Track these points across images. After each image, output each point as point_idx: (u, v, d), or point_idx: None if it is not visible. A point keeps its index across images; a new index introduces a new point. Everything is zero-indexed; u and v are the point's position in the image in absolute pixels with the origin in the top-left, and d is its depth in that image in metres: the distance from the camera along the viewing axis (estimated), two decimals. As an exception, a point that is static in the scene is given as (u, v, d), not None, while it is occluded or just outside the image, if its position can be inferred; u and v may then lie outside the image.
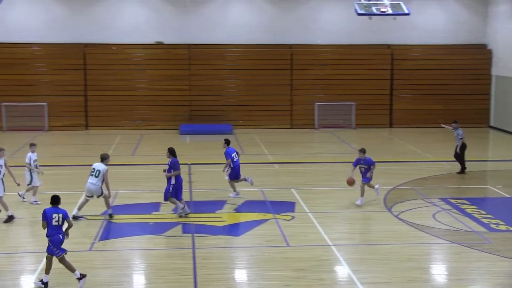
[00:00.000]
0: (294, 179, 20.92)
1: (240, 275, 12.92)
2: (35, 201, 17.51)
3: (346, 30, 32.93)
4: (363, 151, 17.61)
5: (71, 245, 14.11)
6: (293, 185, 19.96)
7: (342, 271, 12.95)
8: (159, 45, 32.37)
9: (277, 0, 32.69)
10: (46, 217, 11.81)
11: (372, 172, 17.46)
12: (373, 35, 33.01)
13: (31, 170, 17.45)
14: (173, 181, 16.20)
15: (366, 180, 17.57)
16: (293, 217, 16.46)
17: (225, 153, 18.19)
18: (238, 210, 17.31)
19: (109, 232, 15.28)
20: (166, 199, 16.32)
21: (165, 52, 32.22)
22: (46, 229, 11.84)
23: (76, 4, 31.58)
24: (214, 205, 17.64)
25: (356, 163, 17.67)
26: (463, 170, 21.83)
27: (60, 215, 11.86)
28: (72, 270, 11.82)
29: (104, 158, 16.00)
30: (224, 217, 16.61)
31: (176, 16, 32.24)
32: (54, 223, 11.78)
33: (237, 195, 18.43)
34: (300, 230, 15.48)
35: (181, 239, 14.78)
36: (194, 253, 13.76)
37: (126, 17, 31.98)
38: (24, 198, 17.72)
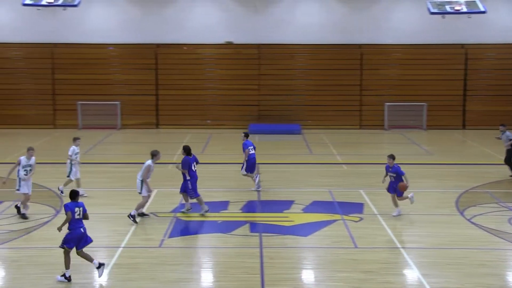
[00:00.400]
0: (362, 180, 20.67)
1: (307, 275, 12.86)
2: (82, 194, 18.09)
3: (418, 29, 32.31)
4: (392, 157, 16.19)
5: (142, 241, 14.46)
6: (362, 186, 19.73)
7: (412, 274, 12.69)
8: (229, 45, 32.65)
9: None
10: (71, 210, 12.20)
11: (407, 183, 16.03)
12: (447, 34, 32.24)
13: (72, 162, 18.05)
14: (187, 177, 16.40)
15: (394, 191, 16.26)
16: (361, 219, 16.27)
17: (242, 145, 18.93)
18: (305, 210, 17.24)
19: (178, 229, 15.50)
20: (192, 195, 16.55)
21: (235, 52, 32.48)
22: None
23: (149, 5, 32.25)
24: (282, 205, 17.64)
25: (386, 170, 16.49)
26: None
27: (81, 208, 12.25)
28: (67, 266, 12.07)
29: (153, 155, 16.11)
30: (292, 217, 16.58)
31: (246, 16, 32.44)
32: (76, 216, 12.17)
33: (258, 188, 18.95)
34: (369, 232, 15.27)
35: (248, 238, 14.85)
36: (261, 252, 13.79)
37: (197, 17, 32.41)
38: (63, 193, 18.23)
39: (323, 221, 16.06)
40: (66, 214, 12.11)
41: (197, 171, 16.67)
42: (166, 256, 13.55)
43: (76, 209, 12.15)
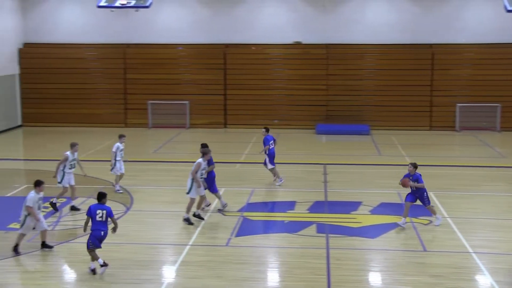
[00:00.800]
0: (432, 182, 20.18)
1: (375, 278, 12.71)
2: (118, 190, 18.68)
3: (493, 27, 31.34)
4: (414, 165, 15.47)
5: (209, 239, 14.63)
6: (432, 188, 19.27)
7: (484, 280, 12.34)
8: (298, 45, 32.60)
9: (419, -2, 31.85)
10: (91, 213, 12.52)
11: (425, 195, 15.30)
12: (523, 33, 31.18)
13: (116, 159, 18.61)
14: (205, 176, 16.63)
15: (410, 199, 15.48)
16: (430, 222, 15.92)
17: (264, 140, 19.66)
18: (373, 212, 17.03)
19: (245, 228, 15.59)
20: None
21: (303, 52, 32.40)
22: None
23: (219, 6, 32.57)
24: (349, 206, 17.47)
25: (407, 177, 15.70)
26: None
27: (104, 211, 12.51)
28: (96, 258, 12.41)
29: (203, 154, 16.29)
30: (359, 218, 16.40)
31: (315, 16, 32.30)
32: (97, 218, 12.46)
33: (281, 180, 19.72)
34: (438, 235, 14.95)
35: (315, 238, 14.78)
36: (328, 253, 13.71)
37: (266, 17, 32.51)
38: (119, 190, 18.71)
39: (391, 223, 15.82)
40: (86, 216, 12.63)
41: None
42: (233, 255, 13.65)
43: (99, 211, 12.49)
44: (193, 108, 32.42)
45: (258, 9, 32.47)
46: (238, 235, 15.05)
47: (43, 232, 13.64)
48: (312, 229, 15.41)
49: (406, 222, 15.54)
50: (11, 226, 15.30)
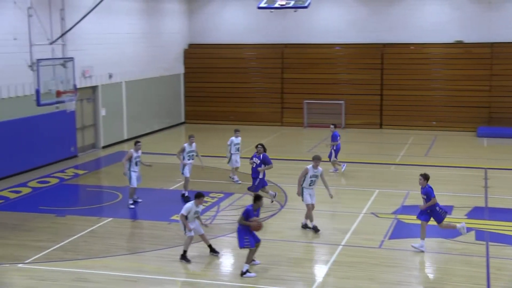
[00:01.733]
0: None
1: (539, 292, 11.91)
2: (237, 180, 19.81)
3: None
4: (424, 177, 13.67)
5: (362, 240, 14.51)
6: None
7: None
8: (459, 44, 31.31)
9: None
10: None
11: (437, 213, 13.51)
12: None
13: (232, 152, 19.67)
14: (261, 175, 17.06)
15: (424, 217, 13.69)
16: None
17: (332, 136, 21.52)
18: (539, 221, 15.95)
19: (399, 231, 15.27)
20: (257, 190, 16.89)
21: (465, 52, 31.04)
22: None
23: (377, 4, 32.14)
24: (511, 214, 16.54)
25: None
26: None
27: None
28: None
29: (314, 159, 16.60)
30: (523, 227, 15.46)
31: (479, 14, 30.80)
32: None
33: (336, 170, 21.35)
34: None
35: (474, 245, 14.13)
36: (488, 262, 13.06)
37: (426, 16, 31.55)
38: (238, 181, 19.77)
39: (559, 235, 14.73)
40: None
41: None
42: (386, 258, 13.44)
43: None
44: (349, 108, 32.27)
45: (418, 7, 31.59)
46: (391, 237, 14.79)
47: (202, 236, 13.48)
48: (470, 236, 14.74)
49: (423, 245, 13.74)
50: (174, 217, 16.19)
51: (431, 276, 12.78)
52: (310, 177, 15.01)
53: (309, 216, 15.24)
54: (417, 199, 18.04)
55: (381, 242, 14.44)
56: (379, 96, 32.07)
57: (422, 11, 31.59)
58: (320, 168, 15.04)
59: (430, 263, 13.41)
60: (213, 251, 13.53)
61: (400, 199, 17.96)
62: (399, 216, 16.37)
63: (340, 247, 14.09)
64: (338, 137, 21.59)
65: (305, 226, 15.30)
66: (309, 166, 15.07)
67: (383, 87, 32.03)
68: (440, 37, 31.45)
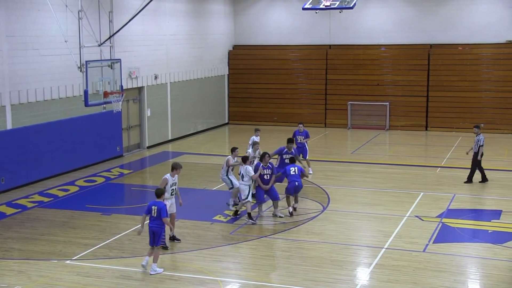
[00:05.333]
0: None
1: None
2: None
3: None
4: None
5: (405, 244, 14.31)
6: None
7: None
8: (510, 44, 30.60)
9: None
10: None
11: None
12: None
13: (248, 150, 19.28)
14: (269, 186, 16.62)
15: None
16: None
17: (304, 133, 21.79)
18: None
19: (444, 235, 15.01)
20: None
21: (516, 52, 30.33)
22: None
23: (424, 4, 31.66)
24: (563, 219, 16.06)
25: None
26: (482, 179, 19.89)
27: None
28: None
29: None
30: None
31: (531, 13, 30.06)
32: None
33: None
34: None
35: (522, 251, 13.80)
36: (536, 269, 12.73)
37: (475, 16, 30.94)
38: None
39: None
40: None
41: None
42: (430, 262, 13.22)
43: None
44: (393, 109, 31.90)
45: (467, 7, 30.98)
46: (436, 241, 14.54)
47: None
48: (519, 242, 14.40)
49: None
50: (216, 218, 16.27)
51: (477, 282, 12.51)
52: (171, 186, 14.19)
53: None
54: (463, 203, 17.75)
55: (425, 246, 14.22)
56: (425, 98, 31.60)
57: (471, 10, 30.99)
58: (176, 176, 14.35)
59: (477, 268, 13.13)
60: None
61: (446, 203, 17.66)
62: (444, 220, 16.09)
63: (383, 250, 13.94)
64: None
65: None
66: (167, 175, 14.19)
67: (429, 89, 31.55)
68: (490, 37, 30.77)
